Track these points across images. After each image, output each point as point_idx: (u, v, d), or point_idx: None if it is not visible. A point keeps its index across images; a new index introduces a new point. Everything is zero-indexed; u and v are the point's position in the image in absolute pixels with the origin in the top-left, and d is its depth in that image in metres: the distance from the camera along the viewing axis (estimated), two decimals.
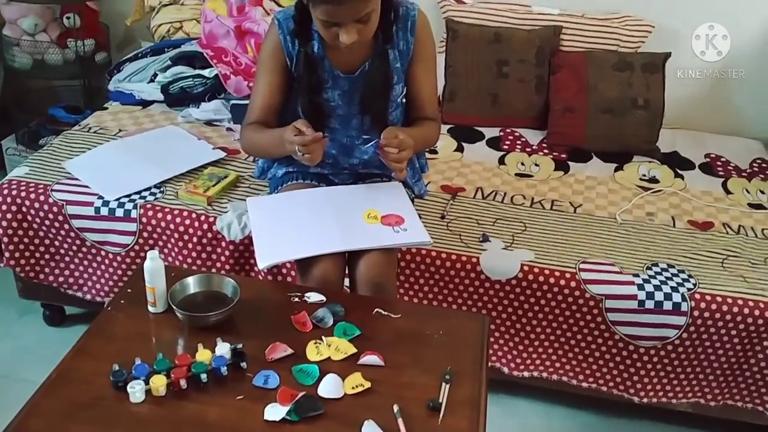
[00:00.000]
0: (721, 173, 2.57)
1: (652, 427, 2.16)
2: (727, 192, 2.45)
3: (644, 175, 2.52)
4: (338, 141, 1.86)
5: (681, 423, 2.15)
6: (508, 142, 2.66)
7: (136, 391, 1.28)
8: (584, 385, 2.07)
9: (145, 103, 2.70)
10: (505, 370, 2.09)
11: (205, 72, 2.65)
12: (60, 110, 3.09)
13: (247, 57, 2.73)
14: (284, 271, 2.07)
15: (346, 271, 1.79)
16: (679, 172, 2.55)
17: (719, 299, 1.93)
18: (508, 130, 2.73)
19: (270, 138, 1.79)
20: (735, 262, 2.08)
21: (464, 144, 2.63)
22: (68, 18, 2.97)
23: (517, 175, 2.46)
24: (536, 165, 2.53)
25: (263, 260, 1.66)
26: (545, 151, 2.62)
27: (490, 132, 2.71)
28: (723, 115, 2.85)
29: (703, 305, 1.92)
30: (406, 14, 1.78)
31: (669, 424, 2.15)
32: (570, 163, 2.56)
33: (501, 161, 2.54)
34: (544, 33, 2.73)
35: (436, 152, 2.54)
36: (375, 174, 1.96)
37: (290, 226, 1.74)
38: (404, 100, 1.88)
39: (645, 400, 2.05)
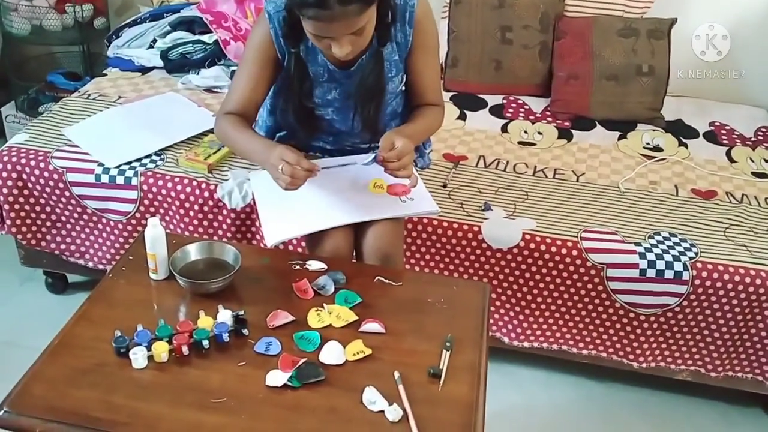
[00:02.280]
0: (725, 142, 2.54)
1: (653, 396, 2.17)
2: (731, 161, 2.44)
3: (648, 144, 2.50)
4: (337, 128, 1.83)
5: (681, 392, 2.16)
6: (511, 110, 2.64)
7: (138, 357, 1.28)
8: (584, 352, 2.08)
9: (144, 70, 2.67)
10: (506, 340, 2.10)
11: (205, 37, 2.62)
12: (59, 77, 3.07)
13: (247, 22, 2.70)
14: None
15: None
16: (683, 140, 2.53)
17: (721, 268, 1.92)
18: (511, 98, 2.70)
19: (251, 144, 1.67)
20: (737, 231, 2.07)
21: (467, 112, 2.61)
22: None
23: (519, 143, 2.45)
24: (539, 133, 2.51)
25: (271, 238, 1.64)
26: (548, 119, 2.60)
27: (493, 99, 2.69)
28: (728, 83, 2.81)
29: (704, 274, 1.92)
30: (404, 7, 1.66)
31: (670, 393, 2.17)
32: (573, 131, 2.54)
33: (504, 129, 2.52)
34: None
35: None
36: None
37: (296, 200, 1.71)
38: (404, 88, 1.81)
39: (644, 365, 2.06)
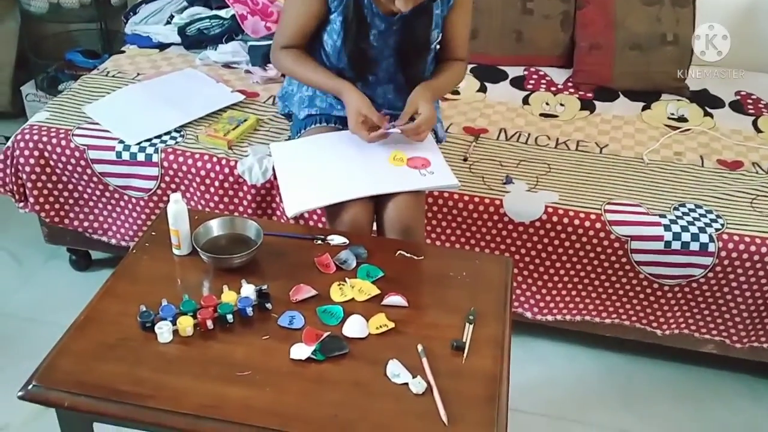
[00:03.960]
0: (751, 111, 2.49)
1: (677, 368, 2.16)
2: (758, 130, 2.39)
3: (672, 114, 2.46)
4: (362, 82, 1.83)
5: (706, 365, 2.14)
6: (532, 82, 2.60)
7: (163, 331, 1.29)
8: (607, 321, 2.06)
9: (162, 46, 2.66)
10: (529, 315, 2.09)
11: (222, 12, 2.61)
12: (78, 55, 3.07)
13: None
14: (306, 215, 2.06)
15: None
16: (709, 110, 2.48)
17: (747, 239, 1.89)
18: (532, 69, 2.66)
19: (322, 80, 1.82)
20: (764, 201, 2.03)
21: (487, 84, 2.57)
22: None
23: (541, 115, 2.41)
24: (561, 105, 2.47)
25: (291, 208, 1.65)
26: (571, 90, 2.56)
27: (513, 71, 2.65)
28: (754, 50, 2.74)
29: (731, 245, 1.89)
30: None
31: (694, 365, 2.15)
32: (596, 102, 2.50)
33: (525, 101, 2.49)
34: None
35: (458, 93, 2.49)
36: (399, 115, 1.93)
37: (316, 172, 1.72)
38: (437, 46, 1.84)
39: (668, 332, 2.04)
